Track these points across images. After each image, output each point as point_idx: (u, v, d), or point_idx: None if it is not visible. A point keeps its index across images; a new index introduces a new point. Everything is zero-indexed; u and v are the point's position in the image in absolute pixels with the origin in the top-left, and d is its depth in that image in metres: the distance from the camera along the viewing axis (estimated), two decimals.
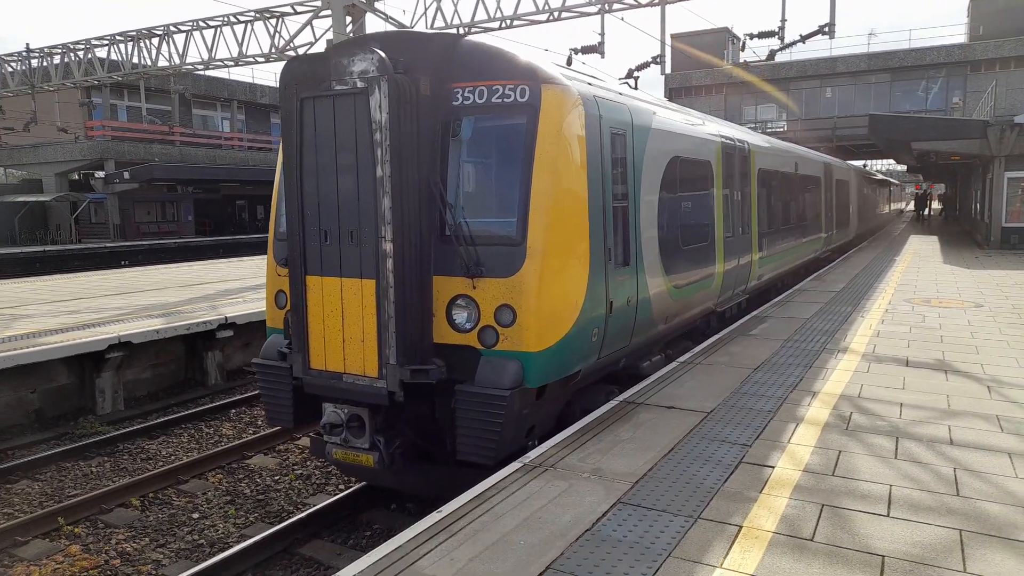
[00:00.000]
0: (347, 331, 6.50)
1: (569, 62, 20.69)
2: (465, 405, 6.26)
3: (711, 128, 11.30)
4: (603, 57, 21.49)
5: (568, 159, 6.60)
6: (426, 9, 21.84)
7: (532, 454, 5.99)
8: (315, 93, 6.41)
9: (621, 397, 7.57)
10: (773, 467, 5.58)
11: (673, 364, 8.99)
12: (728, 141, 11.71)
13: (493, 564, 4.22)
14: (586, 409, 7.48)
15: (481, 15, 21.69)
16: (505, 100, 6.49)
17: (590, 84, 7.39)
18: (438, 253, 6.55)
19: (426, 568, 4.20)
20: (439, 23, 21.93)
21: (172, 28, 25.94)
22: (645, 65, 22.86)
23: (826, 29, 20.14)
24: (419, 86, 6.34)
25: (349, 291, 6.46)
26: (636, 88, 16.69)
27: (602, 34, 21.05)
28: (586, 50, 21.15)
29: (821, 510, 4.83)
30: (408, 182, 6.22)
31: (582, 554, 4.30)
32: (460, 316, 6.51)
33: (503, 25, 21.67)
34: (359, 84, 6.17)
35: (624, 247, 7.67)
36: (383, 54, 6.09)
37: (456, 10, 21.99)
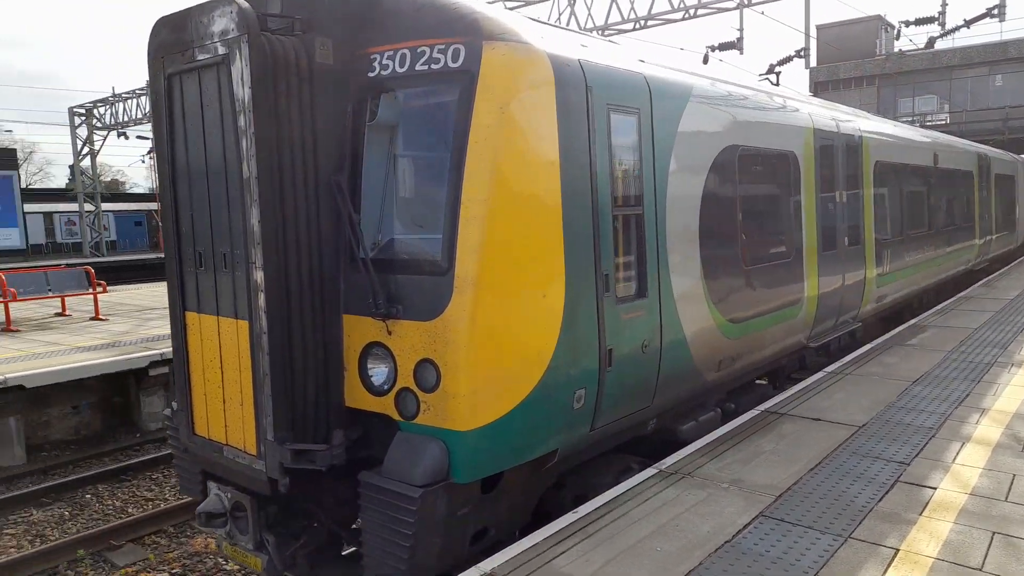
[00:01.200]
0: (227, 388, 4.98)
1: (705, 60, 20.06)
2: (369, 502, 4.71)
3: (797, 109, 8.87)
4: (742, 54, 20.75)
5: (523, 149, 4.78)
6: (560, 14, 22.00)
7: (668, 461, 5.88)
8: (179, 67, 4.95)
9: (763, 407, 7.25)
10: (935, 488, 5.15)
11: (819, 374, 8.49)
12: (826, 127, 9.30)
13: (629, 568, 4.19)
14: (581, 497, 5.69)
15: (615, 17, 21.59)
16: (433, 67, 4.73)
17: (582, 45, 5.52)
18: (349, 283, 4.97)
19: (563, 567, 4.25)
20: (572, 28, 22.05)
21: None
22: (788, 59, 21.81)
23: (995, 11, 18.35)
24: (312, 51, 4.73)
25: (226, 334, 4.94)
26: (777, 83, 15.80)
27: (741, 29, 20.32)
28: (724, 47, 20.50)
29: (992, 538, 4.41)
30: (293, 185, 4.71)
31: (721, 565, 4.18)
32: (376, 372, 4.90)
33: (637, 26, 21.46)
34: (220, 50, 4.61)
35: (637, 271, 5.76)
36: (245, 4, 4.52)
37: (590, 13, 22.01)
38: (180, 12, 4.97)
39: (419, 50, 4.76)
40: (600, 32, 21.40)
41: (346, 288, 4.98)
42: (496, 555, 4.48)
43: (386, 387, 4.83)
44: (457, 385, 4.52)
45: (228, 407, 4.95)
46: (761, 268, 7.59)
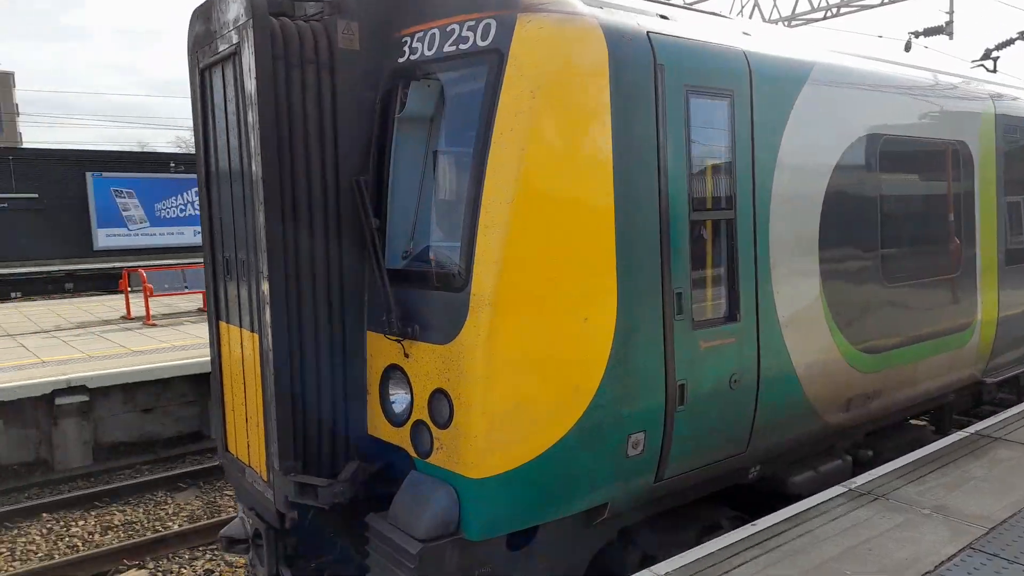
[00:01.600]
0: (248, 405, 4.69)
1: (908, 48, 18.38)
2: (374, 550, 4.27)
3: (973, 91, 7.30)
4: (951, 39, 18.69)
5: (562, 142, 4.10)
6: (742, 7, 21.11)
7: (858, 480, 5.47)
8: (208, 61, 4.73)
9: (971, 429, 6.51)
10: None
11: None
12: (1015, 112, 7.70)
13: None
14: (650, 558, 4.86)
15: (803, 6, 20.33)
16: (461, 47, 4.16)
17: (660, 16, 4.71)
18: (373, 297, 4.51)
19: None
20: (756, 20, 21.05)
21: None
22: (1008, 43, 19.43)
23: None
24: (334, 35, 4.31)
25: (246, 348, 4.64)
26: (994, 70, 13.98)
27: (951, 12, 18.37)
28: (929, 32, 18.62)
29: None
30: (309, 187, 4.34)
31: None
32: (396, 398, 4.41)
33: (828, 14, 20.07)
34: (234, 39, 4.32)
35: (726, 289, 4.92)
36: None
37: (775, 5, 20.90)
38: (207, 1, 4.65)
39: (448, 28, 4.19)
40: (786, 23, 20.26)
41: (370, 302, 4.52)
42: (670, 560, 4.41)
43: (404, 417, 4.30)
44: (470, 423, 3.89)
45: (249, 426, 4.64)
46: (911, 285, 6.25)
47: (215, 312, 5.06)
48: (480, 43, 4.11)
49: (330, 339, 4.45)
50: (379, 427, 4.58)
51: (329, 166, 4.41)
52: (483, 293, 3.92)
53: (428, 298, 4.23)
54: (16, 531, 8.43)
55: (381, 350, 4.48)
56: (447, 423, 4.04)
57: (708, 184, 4.90)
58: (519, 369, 4.02)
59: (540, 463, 4.05)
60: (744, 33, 5.36)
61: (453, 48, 4.22)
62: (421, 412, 4.20)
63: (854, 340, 5.84)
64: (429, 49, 4.32)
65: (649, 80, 4.45)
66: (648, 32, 4.51)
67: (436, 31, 4.29)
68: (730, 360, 4.95)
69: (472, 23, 4.13)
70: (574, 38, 4.12)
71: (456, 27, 4.20)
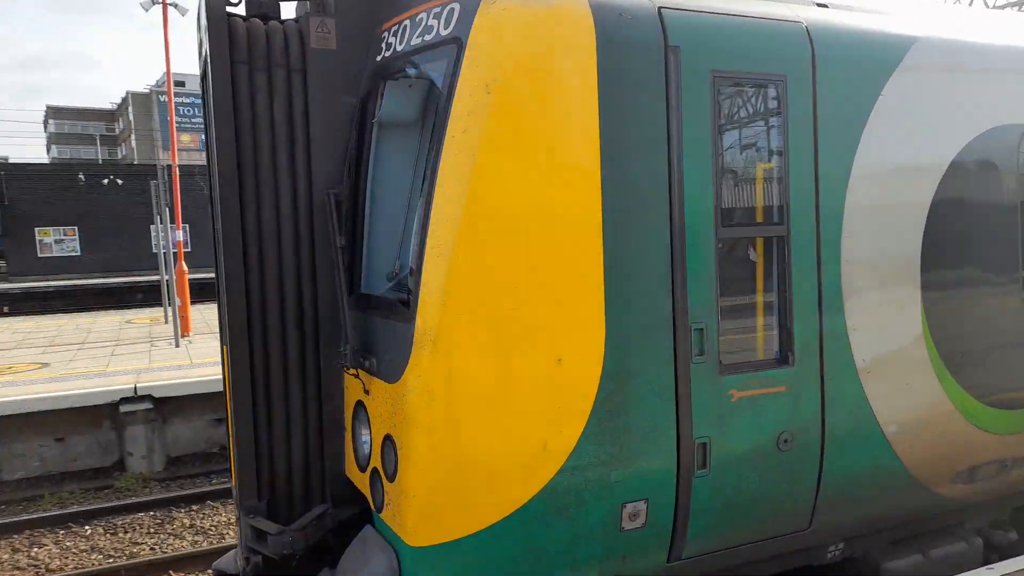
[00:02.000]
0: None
1: None
2: None
3: None
4: None
5: (527, 143, 3.42)
6: None
7: (992, 571, 4.15)
8: (200, 69, 4.52)
9: None
10: None
11: None
12: None
13: None
14: None
15: None
16: (426, 38, 3.63)
17: None
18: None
19: None
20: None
21: None
22: None
23: None
24: (305, 33, 3.93)
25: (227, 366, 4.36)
26: None
27: None
28: None
29: None
30: (276, 200, 3.99)
31: None
32: (364, 438, 3.91)
33: None
34: (203, 45, 4.09)
35: (777, 323, 4.01)
36: None
37: None
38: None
39: (417, 18, 3.66)
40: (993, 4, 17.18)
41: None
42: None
43: (365, 462, 3.86)
44: (409, 480, 3.33)
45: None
46: None
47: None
48: (443, 32, 3.54)
49: (301, 370, 4.07)
50: (352, 470, 4.10)
51: (301, 179, 4.02)
52: (427, 327, 3.33)
53: (384, 328, 3.72)
54: None
55: (353, 384, 4.00)
56: (393, 475, 3.50)
57: (746, 193, 4.01)
58: (468, 419, 3.36)
59: (495, 533, 3.40)
60: (817, 3, 4.30)
61: (419, 40, 3.67)
62: (376, 459, 3.71)
63: (977, 390, 4.56)
64: (400, 43, 3.80)
65: (657, 66, 3.63)
66: (660, 7, 3.69)
67: (407, 22, 3.75)
68: (778, 414, 3.97)
69: (438, 9, 3.57)
70: (548, 18, 3.43)
71: (424, 15, 3.67)
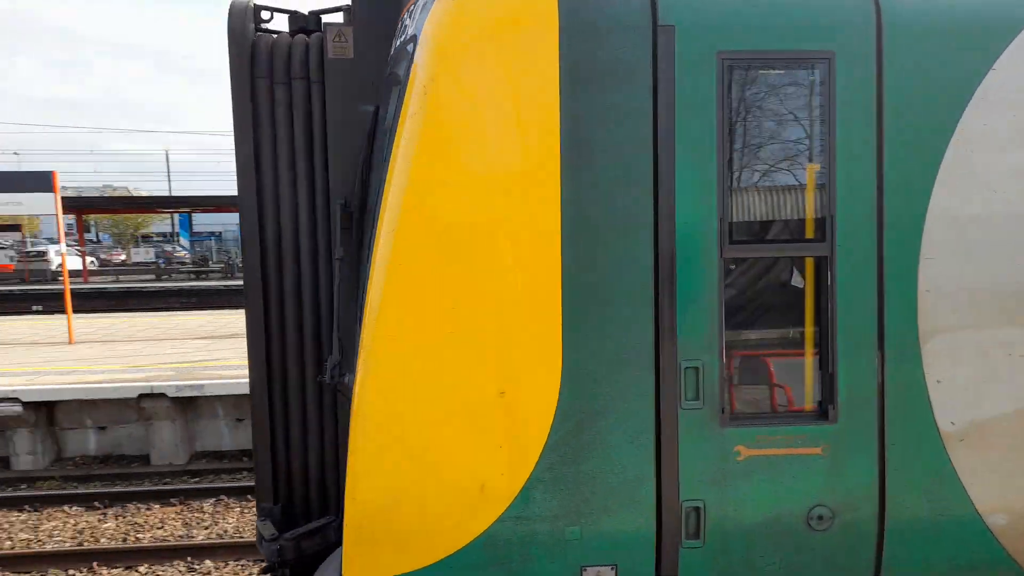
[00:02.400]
0: None
1: None
2: None
3: None
4: None
5: (468, 144, 3.06)
6: None
7: None
8: None
9: None
10: None
11: None
12: None
13: None
14: None
15: None
16: (402, 40, 3.42)
17: None
18: None
19: None
20: None
21: None
22: None
23: None
24: (326, 44, 3.92)
25: None
26: None
27: None
28: None
29: None
30: (294, 213, 4.07)
31: None
32: None
33: None
34: None
35: (817, 367, 3.20)
36: None
37: None
38: None
39: (403, 18, 3.51)
40: None
41: None
42: None
43: None
44: (346, 505, 3.14)
45: None
46: None
47: None
48: (410, 31, 3.32)
49: (317, 381, 4.14)
50: None
51: (319, 190, 4.06)
52: (365, 345, 3.10)
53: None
54: None
55: None
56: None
57: (770, 203, 3.22)
58: (397, 448, 3.10)
59: None
60: None
61: (398, 42, 3.52)
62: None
63: None
64: (397, 40, 3.64)
65: (642, 50, 3.06)
66: None
67: (406, 16, 3.57)
68: (810, 482, 3.17)
69: (412, 6, 3.37)
70: (499, 3, 3.08)
71: (405, 15, 3.51)
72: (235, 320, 19.05)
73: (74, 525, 8.85)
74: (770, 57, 3.14)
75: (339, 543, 4.04)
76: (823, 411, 3.19)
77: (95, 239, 63.26)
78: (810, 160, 3.20)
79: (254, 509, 6.59)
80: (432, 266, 3.06)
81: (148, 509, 9.31)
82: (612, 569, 3.14)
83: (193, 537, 8.50)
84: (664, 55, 3.05)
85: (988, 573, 3.32)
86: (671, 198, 3.08)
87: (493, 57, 3.05)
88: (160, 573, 7.61)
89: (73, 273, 31.07)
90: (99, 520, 9.03)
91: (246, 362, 4.24)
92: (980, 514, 3.23)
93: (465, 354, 3.06)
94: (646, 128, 3.08)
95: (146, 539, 8.48)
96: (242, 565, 7.78)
